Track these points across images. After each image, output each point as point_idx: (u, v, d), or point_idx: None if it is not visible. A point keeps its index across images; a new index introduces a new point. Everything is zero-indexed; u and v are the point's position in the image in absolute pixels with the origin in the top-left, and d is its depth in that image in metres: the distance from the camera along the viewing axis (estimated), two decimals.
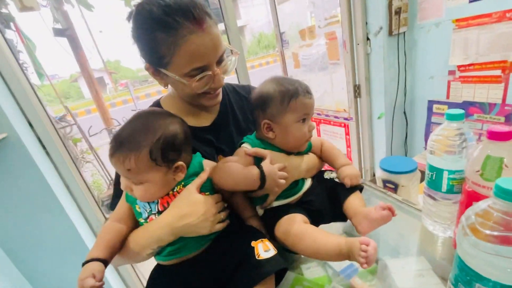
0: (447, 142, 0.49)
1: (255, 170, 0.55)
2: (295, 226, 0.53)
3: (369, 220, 0.53)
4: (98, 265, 0.47)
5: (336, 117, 2.07)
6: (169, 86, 0.63)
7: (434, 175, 0.53)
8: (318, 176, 0.69)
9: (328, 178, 0.67)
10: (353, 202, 0.60)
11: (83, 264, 0.48)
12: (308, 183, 0.64)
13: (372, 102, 1.82)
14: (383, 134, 1.81)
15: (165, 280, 0.52)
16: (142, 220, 0.53)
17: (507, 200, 0.27)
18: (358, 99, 1.85)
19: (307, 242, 0.51)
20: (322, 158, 0.68)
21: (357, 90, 1.83)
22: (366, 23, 1.65)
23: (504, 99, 1.36)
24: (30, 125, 1.03)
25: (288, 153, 0.62)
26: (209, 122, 0.69)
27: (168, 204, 0.52)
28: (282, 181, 0.55)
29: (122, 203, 0.57)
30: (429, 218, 0.61)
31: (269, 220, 0.59)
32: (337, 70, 2.03)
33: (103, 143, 5.34)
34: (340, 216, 0.63)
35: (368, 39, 1.67)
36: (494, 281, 0.28)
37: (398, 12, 1.55)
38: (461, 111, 0.48)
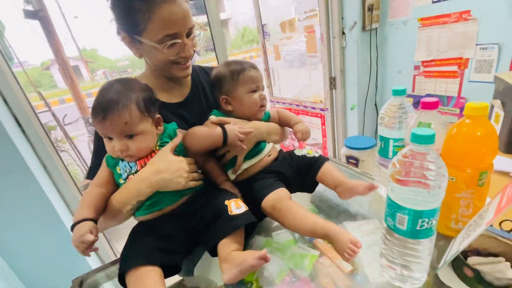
0: (392, 114, 0.58)
1: (218, 128, 0.64)
2: (283, 203, 0.61)
3: (353, 193, 0.64)
4: (90, 223, 0.51)
5: (313, 107, 2.17)
6: (144, 62, 0.68)
7: (383, 144, 0.62)
8: (289, 154, 0.77)
9: (300, 154, 0.76)
10: (331, 172, 0.69)
11: (72, 227, 0.52)
12: (269, 146, 0.73)
13: (346, 94, 1.94)
14: (356, 124, 1.93)
15: (144, 232, 0.57)
16: (122, 181, 0.58)
17: (418, 142, 0.35)
18: (333, 90, 1.96)
19: (289, 219, 0.59)
20: (280, 123, 0.78)
21: (332, 82, 1.93)
22: (342, 18, 1.74)
23: (459, 93, 1.51)
24: (5, 101, 1.02)
25: (249, 120, 0.72)
26: (181, 98, 0.74)
27: (145, 164, 0.57)
28: (242, 136, 0.63)
29: (102, 170, 0.61)
30: (381, 184, 0.70)
31: (245, 187, 0.67)
32: (315, 64, 2.12)
33: (79, 133, 5.14)
34: (308, 187, 0.74)
35: (343, 33, 1.77)
36: (407, 208, 0.37)
37: (370, 9, 1.66)
38: (403, 87, 0.57)
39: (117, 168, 0.58)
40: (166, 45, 0.59)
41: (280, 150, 0.77)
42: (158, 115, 0.60)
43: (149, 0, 0.56)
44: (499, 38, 1.28)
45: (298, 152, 0.77)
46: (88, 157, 3.60)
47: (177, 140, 0.61)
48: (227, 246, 0.53)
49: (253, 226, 0.64)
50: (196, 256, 0.72)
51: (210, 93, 0.79)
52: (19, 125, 1.06)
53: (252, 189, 0.66)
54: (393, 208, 0.39)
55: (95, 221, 0.53)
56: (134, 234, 0.59)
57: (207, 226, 0.57)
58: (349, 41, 1.77)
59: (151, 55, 0.64)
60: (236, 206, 0.58)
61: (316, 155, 0.74)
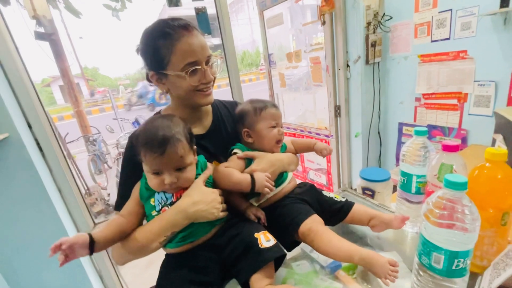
0: (415, 152, 0.62)
1: (247, 177, 0.68)
2: (320, 227, 0.64)
3: (386, 225, 0.68)
4: (83, 235, 0.54)
5: (318, 133, 2.23)
6: (169, 97, 0.73)
7: (406, 179, 0.66)
8: (316, 190, 0.81)
9: (328, 196, 0.79)
10: (364, 210, 0.73)
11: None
12: (290, 175, 0.78)
13: (351, 122, 2.01)
14: (360, 151, 1.99)
15: (177, 265, 0.59)
16: (154, 213, 0.60)
17: (452, 188, 0.39)
18: (338, 118, 2.03)
19: (325, 242, 0.62)
20: (298, 151, 0.85)
21: (337, 110, 2.01)
22: (347, 51, 1.86)
23: (460, 124, 1.59)
24: (29, 126, 1.05)
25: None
26: (204, 130, 0.79)
27: (181, 195, 0.60)
28: (269, 184, 0.67)
29: (131, 202, 0.63)
30: None
31: (269, 214, 0.71)
32: (319, 91, 2.22)
33: (78, 151, 5.11)
34: (331, 222, 0.76)
35: (348, 65, 1.88)
36: (443, 249, 0.40)
37: (373, 44, 1.78)
38: (425, 128, 0.62)
39: (151, 200, 0.60)
40: (188, 72, 0.65)
41: (304, 183, 0.81)
42: (195, 147, 0.65)
43: (169, 37, 0.63)
44: (495, 76, 1.38)
45: (326, 194, 0.80)
46: (86, 174, 3.58)
47: (208, 172, 0.65)
48: (260, 280, 0.55)
49: (281, 262, 0.66)
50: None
51: (230, 126, 0.83)
52: (40, 149, 1.08)
53: (282, 214, 0.69)
54: (428, 247, 0.42)
55: (93, 238, 0.55)
56: (167, 267, 0.60)
57: (238, 259, 0.58)
58: (353, 73, 1.87)
59: (176, 86, 0.68)
60: (265, 239, 0.60)
61: (343, 200, 0.77)
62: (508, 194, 0.49)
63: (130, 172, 0.67)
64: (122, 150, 3.12)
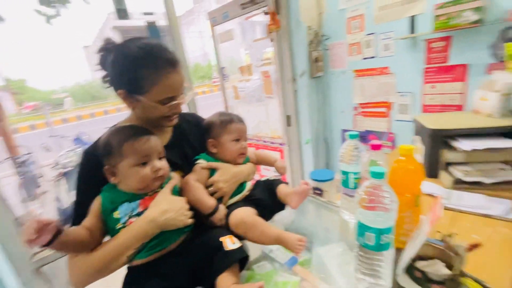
0: (350, 153, 0.74)
1: (212, 203, 0.73)
2: (248, 218, 0.70)
3: (296, 195, 0.77)
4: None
5: (272, 142, 2.35)
6: (131, 111, 0.74)
7: (345, 177, 0.77)
8: (258, 181, 0.90)
9: (265, 179, 0.90)
10: (283, 189, 0.83)
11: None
12: (249, 184, 0.85)
13: (301, 130, 2.18)
14: (310, 156, 2.16)
15: (143, 275, 0.58)
16: (119, 226, 0.59)
17: (374, 177, 0.49)
18: (289, 127, 2.19)
19: (255, 230, 0.69)
20: (258, 163, 0.92)
21: (288, 120, 2.17)
22: (293, 66, 2.03)
23: (389, 129, 1.86)
24: None
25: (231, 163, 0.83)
26: (165, 142, 0.80)
27: (147, 205, 0.60)
28: (223, 222, 0.72)
29: (89, 218, 0.61)
30: (345, 210, 0.84)
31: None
32: (271, 103, 2.36)
33: (2, 176, 4.37)
34: (278, 205, 0.85)
35: (295, 79, 2.05)
36: (372, 228, 0.49)
37: (316, 60, 1.98)
38: (356, 132, 0.74)
39: (115, 213, 0.59)
40: (166, 105, 0.67)
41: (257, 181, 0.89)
42: None
43: (157, 70, 0.64)
44: (411, 88, 1.67)
45: (264, 178, 0.91)
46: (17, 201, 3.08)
47: (174, 182, 0.67)
48: (226, 279, 0.58)
49: (245, 262, 0.69)
50: None
51: (193, 137, 0.86)
52: None
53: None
54: (362, 229, 0.51)
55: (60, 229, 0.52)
56: (132, 278, 0.59)
57: (205, 263, 0.61)
58: (300, 86, 2.05)
59: (147, 111, 0.69)
60: (231, 242, 0.64)
61: (275, 178, 0.89)
62: (418, 181, 0.62)
63: (89, 188, 0.64)
64: (63, 170, 2.80)
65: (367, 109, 1.94)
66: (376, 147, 0.67)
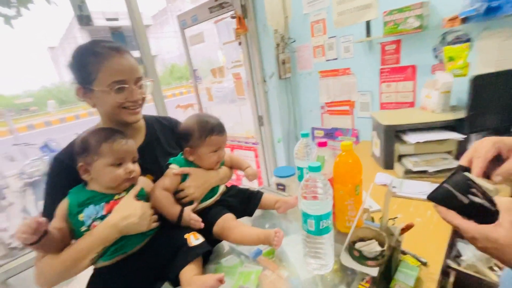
0: (302, 150, 0.81)
1: (176, 211, 0.73)
2: (228, 224, 0.74)
3: (287, 204, 0.84)
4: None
5: (246, 142, 2.42)
6: (100, 115, 0.75)
7: (300, 172, 0.84)
8: (232, 186, 0.92)
9: (244, 188, 0.92)
10: (269, 197, 0.88)
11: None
12: (222, 187, 0.86)
13: (273, 130, 2.26)
14: (283, 154, 2.24)
15: (107, 276, 0.61)
16: (84, 229, 0.61)
17: (312, 171, 0.56)
18: (261, 127, 2.26)
19: (237, 234, 0.73)
20: (232, 166, 0.93)
21: (260, 120, 2.24)
22: (263, 68, 2.11)
23: (353, 125, 1.99)
24: None
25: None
26: (137, 146, 0.81)
27: (111, 209, 0.63)
28: (193, 222, 0.73)
29: (56, 220, 0.63)
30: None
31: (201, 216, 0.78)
32: (243, 104, 2.42)
33: None
34: (250, 212, 0.89)
35: (264, 80, 2.13)
36: (312, 215, 0.56)
37: (284, 62, 2.07)
38: (307, 131, 0.82)
39: (80, 215, 0.61)
40: (114, 89, 0.69)
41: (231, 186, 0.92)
42: None
43: (98, 55, 0.68)
44: (369, 87, 1.81)
45: (241, 187, 0.93)
46: None
47: (138, 187, 0.70)
48: (189, 272, 0.62)
49: (208, 256, 0.75)
50: None
51: (166, 141, 0.89)
52: None
53: (205, 218, 0.77)
54: (305, 217, 0.59)
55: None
56: (97, 279, 0.61)
57: (169, 260, 0.65)
58: (270, 87, 2.13)
59: (102, 101, 0.71)
60: (194, 238, 0.69)
61: (255, 190, 0.91)
62: (357, 173, 0.71)
63: (58, 193, 0.66)
64: (29, 180, 2.67)
65: (333, 107, 2.06)
66: (322, 144, 0.75)
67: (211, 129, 0.78)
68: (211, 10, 2.07)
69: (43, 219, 0.55)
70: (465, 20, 1.22)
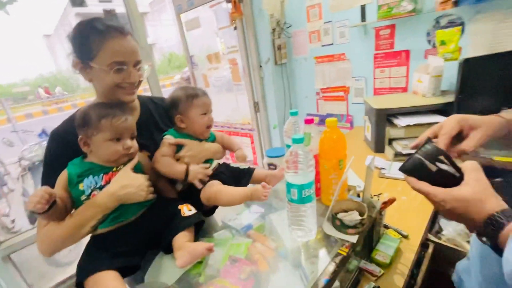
0: (291, 127, 0.84)
1: (182, 168, 0.79)
2: (215, 187, 0.79)
3: (275, 177, 0.89)
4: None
5: (242, 128, 2.44)
6: (95, 90, 0.78)
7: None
8: (225, 166, 0.96)
9: (235, 166, 0.97)
10: (260, 172, 0.93)
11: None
12: (215, 162, 0.91)
13: (269, 115, 2.28)
14: (278, 140, 2.27)
15: (101, 242, 0.65)
16: (84, 198, 0.65)
17: (294, 142, 0.59)
18: (257, 113, 2.28)
19: (225, 195, 0.78)
20: (224, 146, 0.97)
21: (256, 106, 2.26)
22: (258, 54, 2.11)
23: (347, 111, 2.01)
24: None
25: (200, 140, 0.88)
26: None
27: (110, 179, 0.67)
28: (200, 175, 0.79)
29: (56, 190, 0.65)
30: None
31: (194, 191, 0.82)
32: (240, 90, 2.43)
33: None
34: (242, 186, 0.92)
35: (260, 66, 2.13)
36: (295, 184, 0.60)
37: (279, 48, 2.07)
38: (296, 110, 0.85)
39: (80, 185, 0.65)
40: (113, 69, 0.70)
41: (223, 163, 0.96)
42: None
43: (103, 33, 0.69)
44: (364, 73, 1.82)
45: (233, 164, 0.97)
46: None
47: (135, 161, 0.72)
48: (181, 238, 0.66)
49: (200, 227, 0.79)
50: (146, 265, 0.81)
51: (160, 120, 0.92)
52: None
53: (196, 191, 0.81)
54: (288, 186, 0.62)
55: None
56: (91, 245, 0.65)
57: (163, 228, 0.69)
58: (266, 73, 2.13)
59: (99, 79, 0.73)
60: (187, 209, 0.73)
61: (247, 167, 0.95)
62: (341, 148, 0.74)
63: (58, 163, 0.68)
64: (27, 163, 2.71)
65: (328, 93, 2.07)
66: (309, 121, 0.77)
67: (196, 93, 0.85)
68: None
69: (54, 190, 0.58)
70: (456, 3, 1.23)
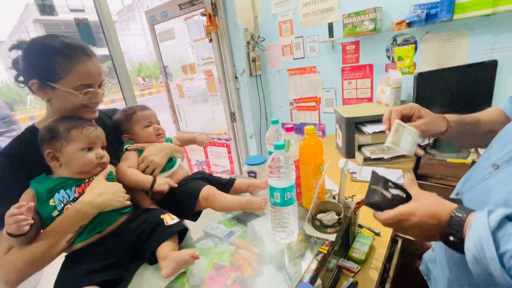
0: (273, 135, 0.89)
1: (149, 177, 0.80)
2: (214, 190, 0.82)
3: (258, 187, 0.92)
4: None
5: (219, 139, 2.45)
6: (47, 108, 0.75)
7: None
8: (209, 174, 0.98)
9: (216, 176, 0.98)
10: (242, 182, 0.95)
11: None
12: (178, 161, 0.93)
13: (245, 125, 2.33)
14: (255, 149, 2.32)
15: (80, 257, 0.62)
16: (56, 213, 0.62)
17: (276, 149, 0.63)
18: (234, 123, 2.31)
19: (221, 199, 0.81)
20: (183, 144, 1.02)
21: (233, 116, 2.29)
22: (234, 65, 2.16)
23: (319, 120, 2.13)
24: None
25: None
26: None
27: (83, 191, 0.65)
28: (165, 186, 0.80)
29: None
30: None
31: (173, 198, 0.83)
32: (216, 100, 2.45)
33: None
34: None
35: (236, 77, 2.19)
36: (278, 188, 0.64)
37: (254, 60, 2.15)
38: (277, 119, 0.90)
39: (51, 201, 0.62)
40: (82, 92, 0.70)
41: (198, 171, 0.98)
42: None
43: (70, 57, 0.68)
44: (333, 84, 1.95)
45: (215, 175, 0.99)
46: None
47: (107, 170, 0.72)
48: (165, 248, 0.66)
49: (184, 236, 0.78)
50: (129, 277, 0.78)
51: (116, 131, 0.92)
52: None
53: (183, 191, 0.83)
54: (272, 190, 0.66)
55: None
56: (69, 262, 0.62)
57: (146, 238, 0.68)
58: (242, 84, 2.19)
59: (64, 99, 0.71)
60: (170, 218, 0.72)
61: (228, 177, 0.98)
62: (319, 154, 0.80)
63: (12, 188, 0.64)
64: None
65: (301, 104, 2.18)
66: (289, 129, 0.83)
67: (133, 110, 0.89)
68: (181, 7, 2.08)
69: (32, 204, 0.55)
70: (410, 24, 1.39)
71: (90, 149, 0.68)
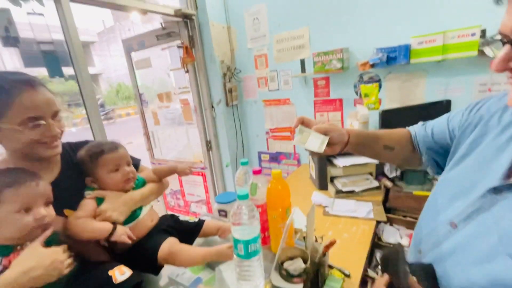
0: (241, 177, 0.88)
1: (106, 225, 0.72)
2: (174, 247, 0.76)
3: (228, 230, 0.89)
4: None
5: (194, 168, 2.40)
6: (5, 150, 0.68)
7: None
8: (174, 219, 0.93)
9: (183, 220, 0.94)
10: (211, 224, 0.92)
11: None
12: (146, 208, 0.84)
13: (221, 154, 2.31)
14: (231, 178, 2.29)
15: None
16: None
17: (240, 199, 0.62)
18: (210, 152, 2.29)
19: (185, 256, 0.75)
20: (162, 177, 0.92)
21: (209, 144, 2.27)
22: (210, 95, 2.19)
23: (294, 150, 2.17)
24: None
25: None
26: (52, 178, 0.74)
27: (10, 263, 0.55)
28: (123, 237, 0.72)
29: None
30: None
31: (135, 252, 0.77)
32: (191, 128, 2.43)
33: None
34: (189, 242, 0.90)
35: (212, 107, 2.20)
36: (241, 240, 0.62)
37: (230, 91, 2.19)
38: (246, 160, 0.90)
39: None
40: (28, 127, 0.63)
41: (164, 216, 0.92)
42: None
43: (8, 91, 0.61)
44: (306, 115, 2.02)
45: (182, 218, 0.95)
46: None
47: (48, 233, 0.62)
48: None
49: (140, 286, 0.72)
50: None
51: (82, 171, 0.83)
52: None
53: (143, 248, 0.76)
54: (235, 242, 0.63)
55: None
56: None
57: None
58: (218, 113, 2.20)
59: (12, 139, 0.65)
60: (120, 273, 0.65)
61: (197, 220, 0.94)
62: (286, 198, 0.79)
63: None
64: None
65: (277, 133, 2.22)
66: (256, 172, 0.83)
67: (101, 150, 0.78)
68: (158, 38, 2.10)
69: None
70: (373, 65, 1.50)
71: (28, 209, 0.59)
